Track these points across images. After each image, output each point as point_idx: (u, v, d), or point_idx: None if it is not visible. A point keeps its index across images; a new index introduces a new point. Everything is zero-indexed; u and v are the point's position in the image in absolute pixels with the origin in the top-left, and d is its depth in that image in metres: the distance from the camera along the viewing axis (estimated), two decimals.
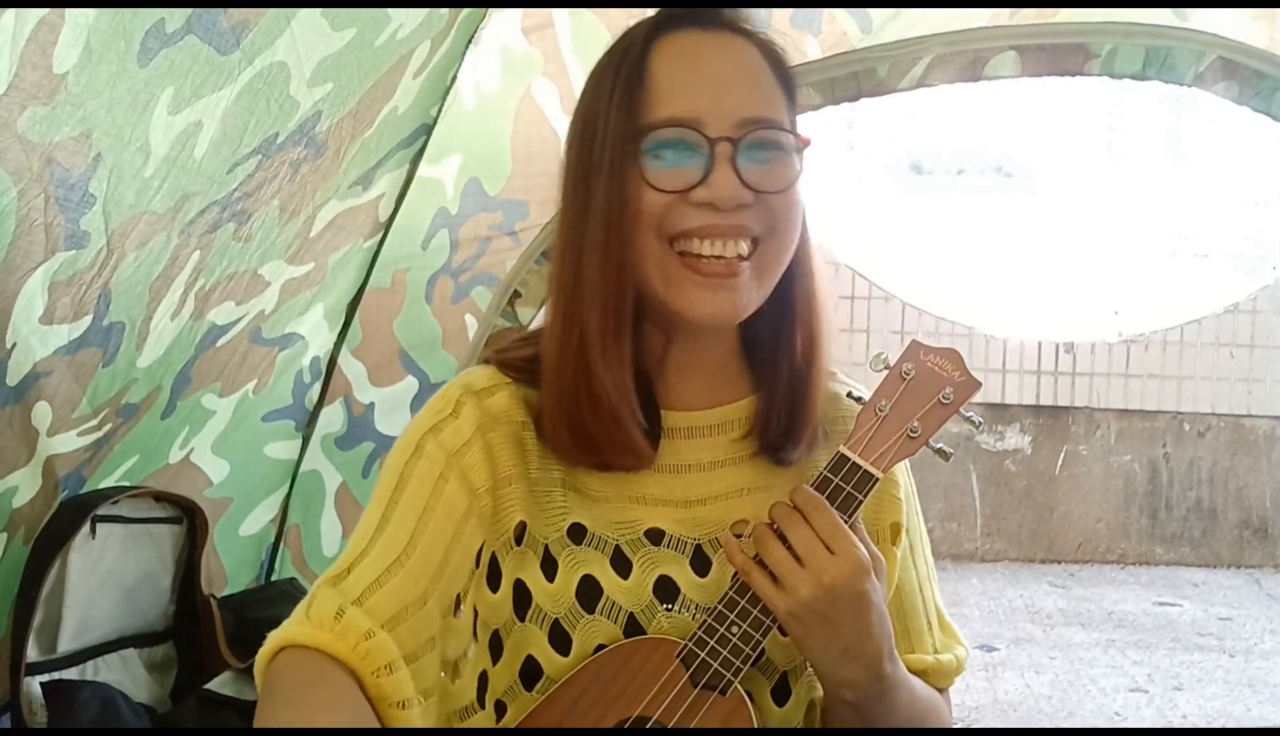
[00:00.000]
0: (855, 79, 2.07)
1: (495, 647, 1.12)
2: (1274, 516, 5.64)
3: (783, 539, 1.02)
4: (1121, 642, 4.39)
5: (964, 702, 3.76)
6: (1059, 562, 5.64)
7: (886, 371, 1.11)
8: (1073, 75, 2.01)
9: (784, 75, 1.12)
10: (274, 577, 2.52)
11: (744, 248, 1.05)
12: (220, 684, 2.00)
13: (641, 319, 1.10)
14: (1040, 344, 5.70)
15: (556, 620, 1.09)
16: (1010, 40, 1.99)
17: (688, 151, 1.05)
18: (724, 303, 1.06)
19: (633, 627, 1.09)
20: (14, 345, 1.54)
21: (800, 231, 1.10)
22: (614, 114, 1.06)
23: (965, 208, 7.06)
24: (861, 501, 1.06)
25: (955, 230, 6.89)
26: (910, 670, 1.14)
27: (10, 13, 1.21)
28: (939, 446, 1.11)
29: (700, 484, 1.14)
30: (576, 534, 1.11)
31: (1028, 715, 3.67)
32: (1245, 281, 5.79)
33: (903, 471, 1.23)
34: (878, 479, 1.07)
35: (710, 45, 1.08)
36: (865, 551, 1.03)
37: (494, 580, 1.11)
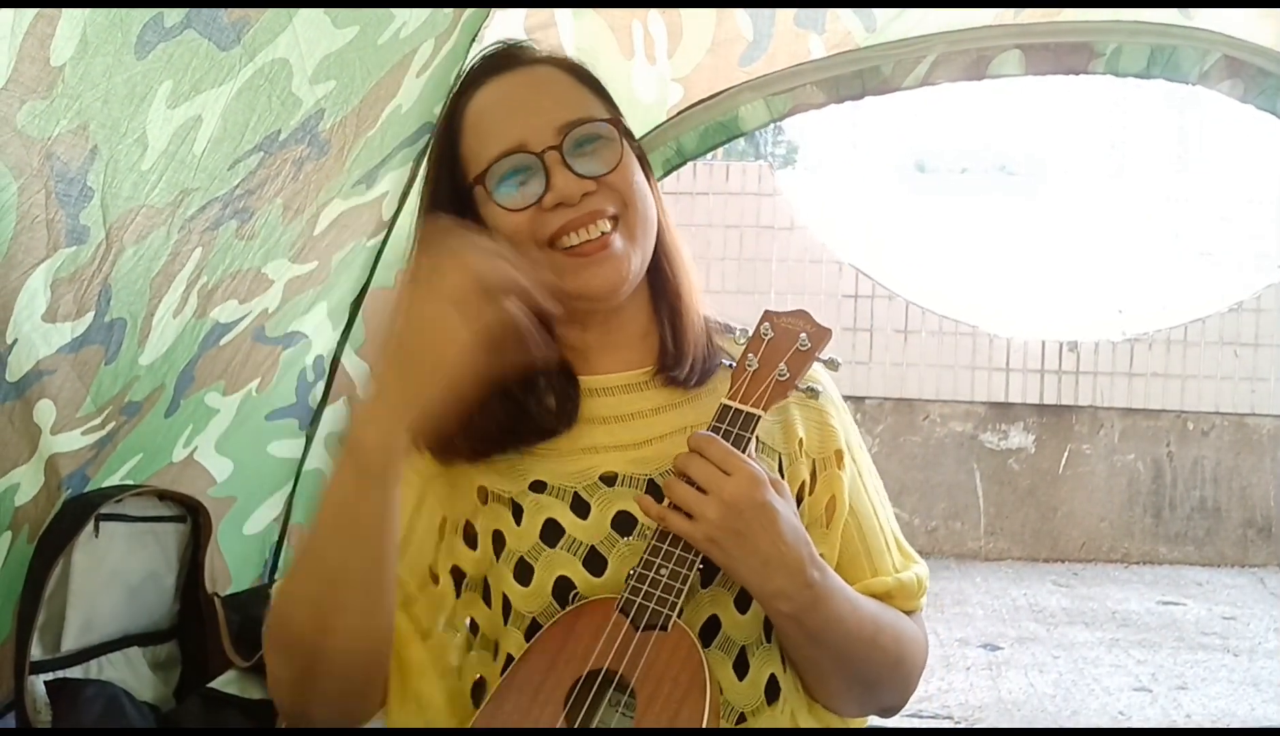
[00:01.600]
0: (859, 78, 2.07)
1: (485, 595, 1.26)
2: (1278, 515, 5.64)
3: (688, 481, 1.14)
4: (1125, 642, 4.38)
5: (967, 701, 3.76)
6: (1063, 561, 5.64)
7: (748, 338, 1.27)
8: (1077, 74, 2.00)
9: (591, 82, 1.30)
10: (278, 577, 2.52)
11: (606, 225, 1.23)
12: (224, 683, 2.01)
13: (560, 321, 1.24)
14: (1044, 343, 5.70)
15: (521, 557, 1.21)
16: (1014, 39, 1.99)
17: (525, 172, 1.22)
18: (609, 272, 1.23)
19: (593, 558, 1.21)
20: (15, 341, 1.54)
21: (649, 197, 1.27)
22: (445, 173, 1.28)
23: (969, 206, 7.05)
24: (749, 439, 1.19)
25: (959, 229, 6.89)
26: (873, 595, 1.26)
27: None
28: (808, 387, 1.27)
29: (644, 427, 1.28)
30: (538, 487, 1.24)
31: (1031, 714, 3.66)
32: (1249, 280, 5.79)
33: (832, 403, 1.36)
34: (759, 416, 1.21)
35: (515, 81, 1.26)
36: (758, 468, 1.14)
37: (471, 540, 1.26)
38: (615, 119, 1.27)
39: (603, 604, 1.16)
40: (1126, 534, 5.72)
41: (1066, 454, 5.74)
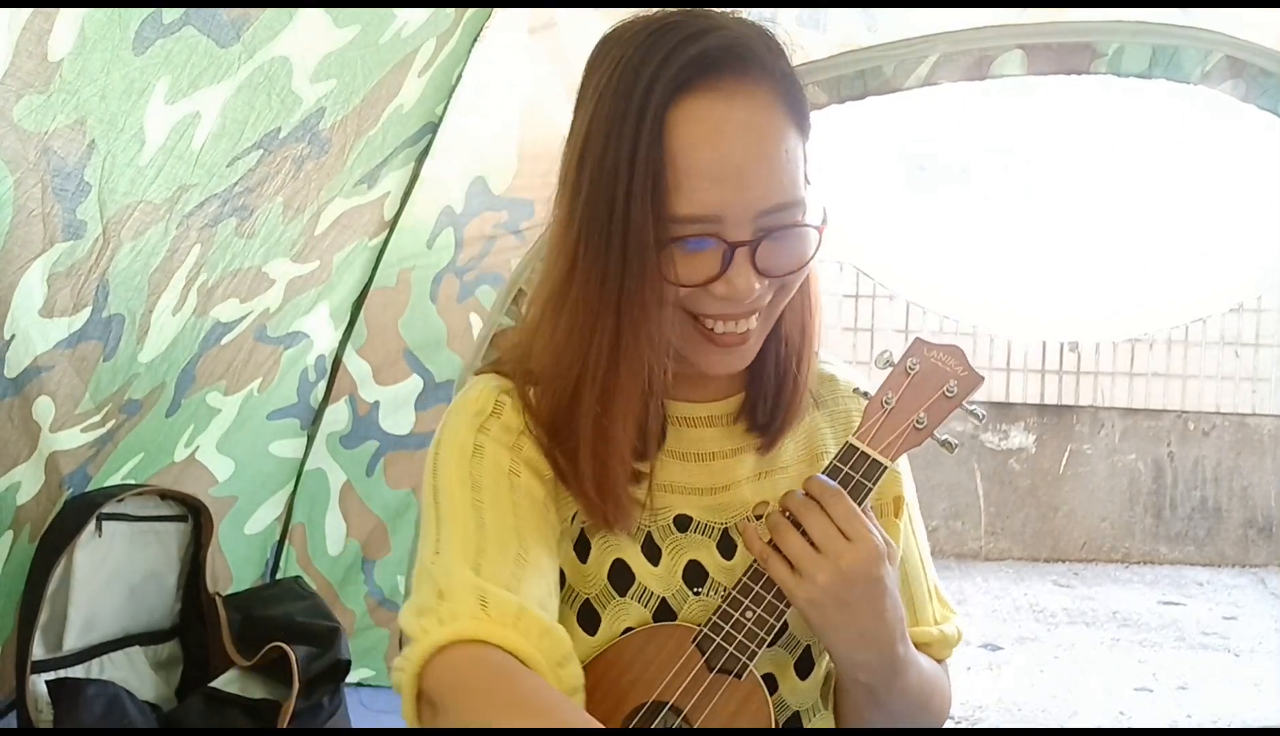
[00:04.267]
0: (861, 78, 2.07)
1: None
2: (1279, 515, 5.64)
3: (799, 527, 1.05)
4: (1126, 642, 4.38)
5: (968, 701, 3.76)
6: (1063, 561, 5.63)
7: (891, 367, 1.15)
8: (1079, 74, 2.01)
9: (800, 114, 1.09)
10: (279, 576, 2.52)
11: (755, 321, 1.08)
12: (225, 682, 2.01)
13: None
14: (1044, 342, 5.70)
15: (587, 600, 1.11)
16: (1016, 39, 1.99)
17: (706, 245, 1.04)
18: (735, 360, 1.10)
19: (663, 611, 1.11)
20: (13, 336, 1.53)
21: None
22: (635, 200, 1.03)
23: (970, 206, 7.05)
24: (871, 489, 1.10)
25: (959, 229, 6.88)
26: (915, 643, 1.16)
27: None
28: (944, 438, 1.14)
29: (722, 471, 1.17)
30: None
31: (1032, 714, 3.66)
32: (1250, 280, 5.78)
33: None
34: (886, 467, 1.10)
35: (734, 120, 1.04)
36: (880, 537, 1.06)
37: None
38: (816, 224, 1.08)
39: (678, 632, 1.08)
40: (1127, 534, 5.72)
41: (1067, 454, 5.74)
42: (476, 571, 1.01)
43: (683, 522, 1.14)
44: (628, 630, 1.10)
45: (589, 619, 1.11)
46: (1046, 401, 5.69)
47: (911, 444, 1.12)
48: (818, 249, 1.08)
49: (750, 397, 1.18)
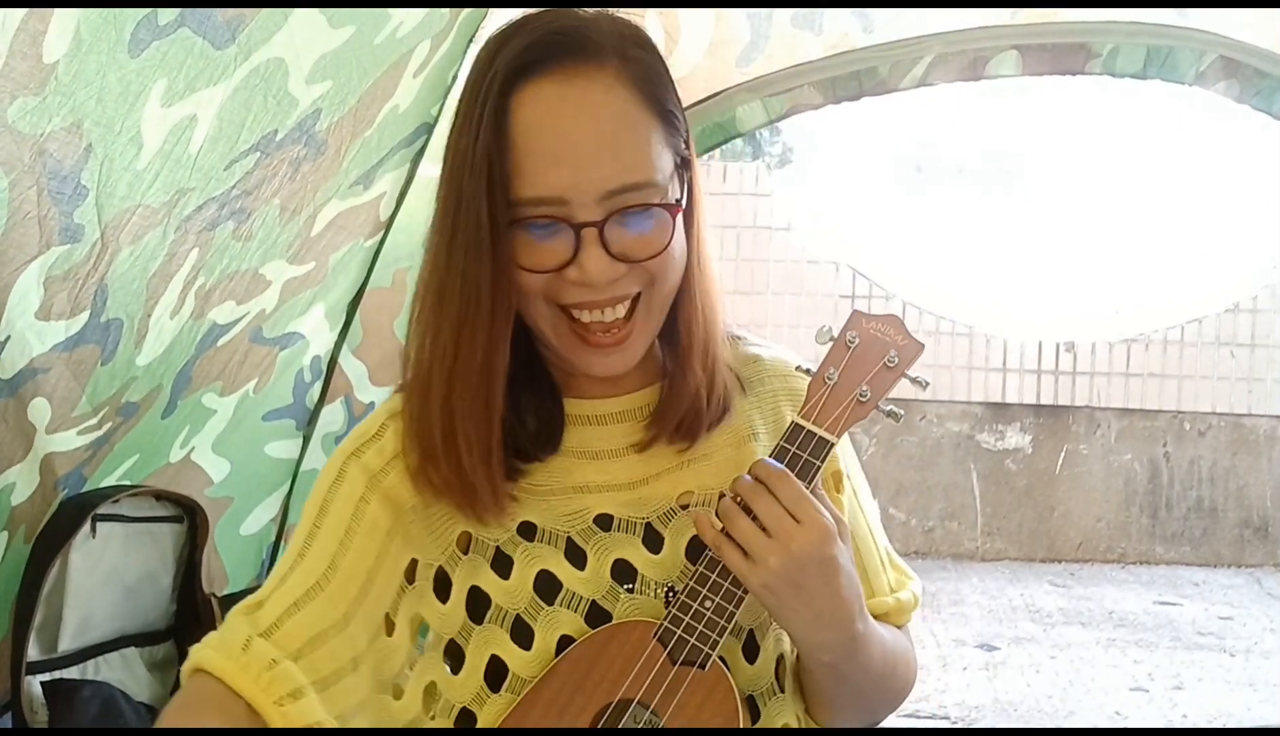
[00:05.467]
0: (856, 78, 2.07)
1: (455, 655, 1.14)
2: (1274, 515, 5.65)
3: (748, 512, 1.05)
4: (1122, 642, 4.39)
5: (964, 701, 3.76)
6: (1059, 562, 5.64)
7: (832, 342, 1.14)
8: (1074, 74, 2.01)
9: (656, 100, 1.07)
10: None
11: (622, 310, 1.08)
12: None
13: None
14: (1041, 343, 5.70)
15: (518, 615, 1.11)
16: (1011, 39, 1.99)
17: (555, 229, 1.04)
18: (615, 362, 1.10)
19: (595, 614, 1.11)
20: (8, 338, 1.53)
21: (684, 262, 1.11)
22: (477, 185, 1.04)
23: (966, 206, 7.06)
24: (820, 467, 1.09)
25: (956, 229, 6.89)
26: (873, 613, 1.17)
27: None
28: (889, 409, 1.13)
29: (639, 465, 1.16)
30: (527, 531, 1.13)
31: (1028, 714, 3.67)
32: (1246, 280, 5.79)
33: None
34: (833, 443, 1.10)
35: (572, 99, 1.04)
36: (830, 516, 1.06)
37: (443, 591, 1.14)
38: (672, 204, 1.07)
39: (639, 628, 1.08)
40: (1123, 534, 5.72)
41: (1063, 454, 5.75)
42: (266, 596, 1.08)
43: (604, 521, 1.14)
44: (564, 638, 1.10)
45: (522, 634, 1.11)
46: (1042, 402, 5.70)
47: (857, 417, 1.12)
48: (673, 233, 1.07)
49: (663, 401, 1.16)
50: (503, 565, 1.12)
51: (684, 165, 1.11)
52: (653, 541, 1.14)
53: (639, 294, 1.08)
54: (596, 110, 1.04)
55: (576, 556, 1.13)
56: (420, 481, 1.12)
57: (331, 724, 1.04)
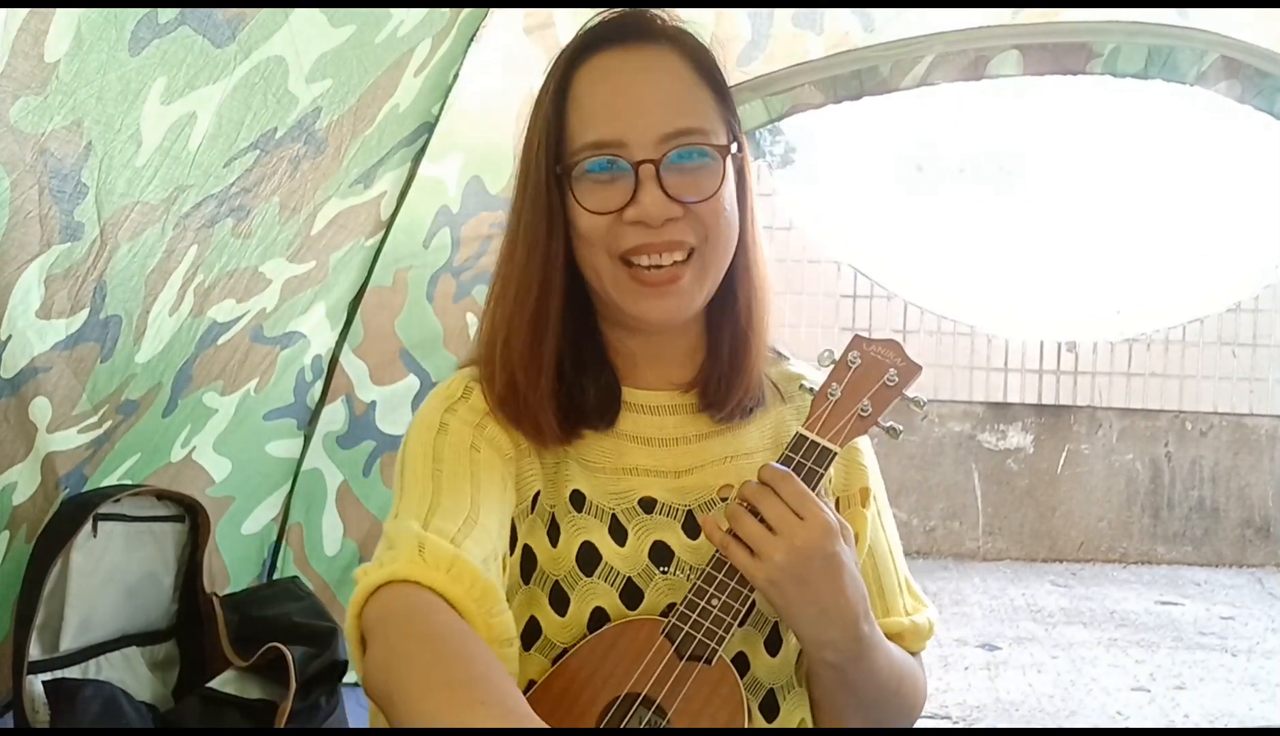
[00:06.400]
0: (857, 78, 2.07)
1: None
2: (1276, 515, 5.64)
3: (755, 513, 1.09)
4: (1123, 641, 4.38)
5: (966, 701, 3.76)
6: (1061, 561, 5.64)
7: (834, 364, 1.22)
8: (1075, 74, 2.01)
9: (710, 77, 1.19)
10: (276, 576, 2.52)
11: (680, 255, 1.15)
12: (222, 682, 2.00)
13: (610, 323, 1.22)
14: (1042, 343, 5.70)
15: (557, 582, 1.16)
16: (1012, 39, 1.99)
17: (615, 173, 1.13)
18: (670, 307, 1.16)
19: (630, 591, 1.16)
20: (9, 337, 1.53)
21: (738, 229, 1.19)
22: (543, 143, 1.15)
23: (967, 206, 7.05)
24: (822, 474, 1.15)
25: (957, 229, 6.89)
26: (886, 633, 1.21)
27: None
28: (889, 425, 1.21)
29: (686, 455, 1.22)
30: (577, 500, 1.18)
31: (1029, 714, 3.66)
32: (1247, 280, 5.79)
33: (865, 442, 1.31)
34: (835, 452, 1.16)
35: (631, 64, 1.16)
36: (831, 515, 1.10)
37: (511, 542, 1.17)
38: (722, 147, 1.16)
39: (648, 625, 1.13)
40: (1125, 534, 5.72)
41: (1065, 454, 5.74)
42: (424, 525, 1.05)
43: (648, 504, 1.19)
44: (597, 609, 1.15)
45: (559, 600, 1.16)
46: (1044, 401, 5.69)
47: (858, 431, 1.19)
48: (724, 180, 1.15)
49: (704, 384, 1.23)
50: (554, 532, 1.17)
51: (735, 142, 1.19)
52: (691, 528, 1.19)
53: (694, 250, 1.15)
54: (654, 71, 1.15)
55: (619, 533, 1.18)
56: (501, 416, 1.17)
57: (516, 642, 1.05)
